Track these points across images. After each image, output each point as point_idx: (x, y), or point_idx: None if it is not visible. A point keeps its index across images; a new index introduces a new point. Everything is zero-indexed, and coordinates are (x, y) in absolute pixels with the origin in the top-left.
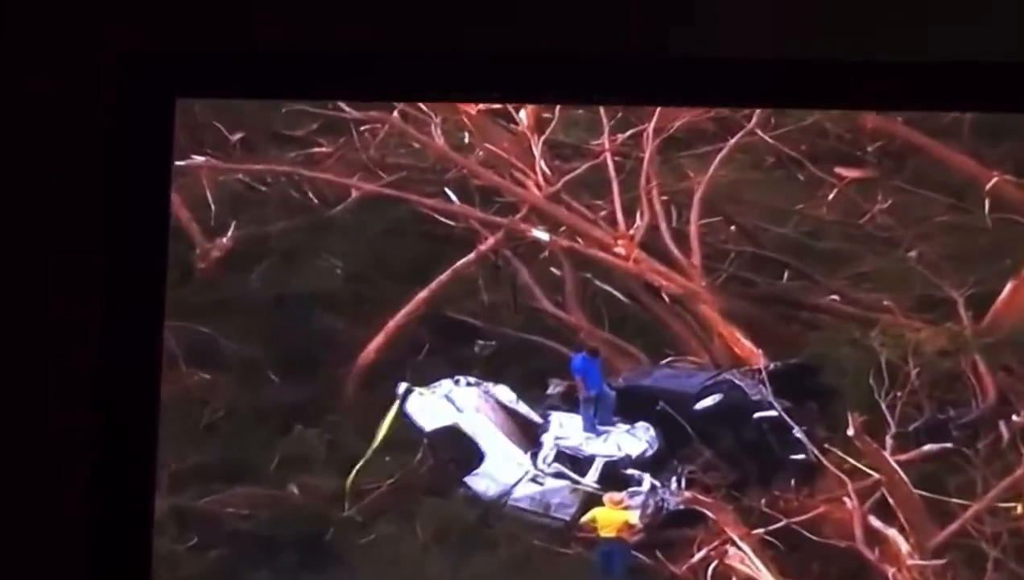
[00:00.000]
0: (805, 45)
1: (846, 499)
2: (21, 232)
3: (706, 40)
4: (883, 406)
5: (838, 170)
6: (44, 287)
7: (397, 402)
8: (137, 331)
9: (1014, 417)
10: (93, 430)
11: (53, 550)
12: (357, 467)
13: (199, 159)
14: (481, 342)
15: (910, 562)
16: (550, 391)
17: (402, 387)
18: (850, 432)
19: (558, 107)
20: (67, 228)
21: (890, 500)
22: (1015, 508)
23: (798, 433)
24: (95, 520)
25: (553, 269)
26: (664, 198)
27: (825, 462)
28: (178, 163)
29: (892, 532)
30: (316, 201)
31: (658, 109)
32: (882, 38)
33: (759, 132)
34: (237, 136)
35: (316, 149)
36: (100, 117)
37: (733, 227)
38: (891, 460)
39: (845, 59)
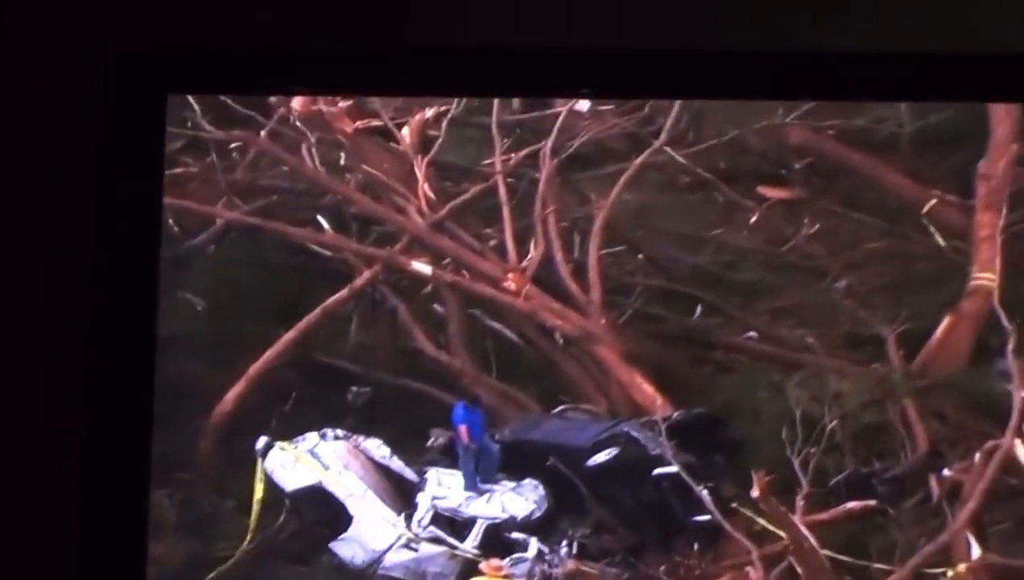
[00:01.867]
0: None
1: (749, 568)
2: (10, 231)
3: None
4: (795, 462)
5: (760, 190)
6: (34, 286)
7: (259, 460)
8: (127, 329)
9: (945, 471)
10: (84, 430)
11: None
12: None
13: None
14: (355, 389)
15: None
16: (430, 443)
17: (261, 442)
18: (754, 493)
19: (444, 124)
20: (56, 227)
21: (798, 569)
22: (944, 574)
23: (702, 492)
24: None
25: (436, 306)
26: (562, 225)
27: (727, 526)
28: None
29: None
30: (176, 229)
31: (556, 127)
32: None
33: (669, 150)
34: None
35: (180, 169)
36: (90, 115)
37: (640, 257)
38: (799, 524)
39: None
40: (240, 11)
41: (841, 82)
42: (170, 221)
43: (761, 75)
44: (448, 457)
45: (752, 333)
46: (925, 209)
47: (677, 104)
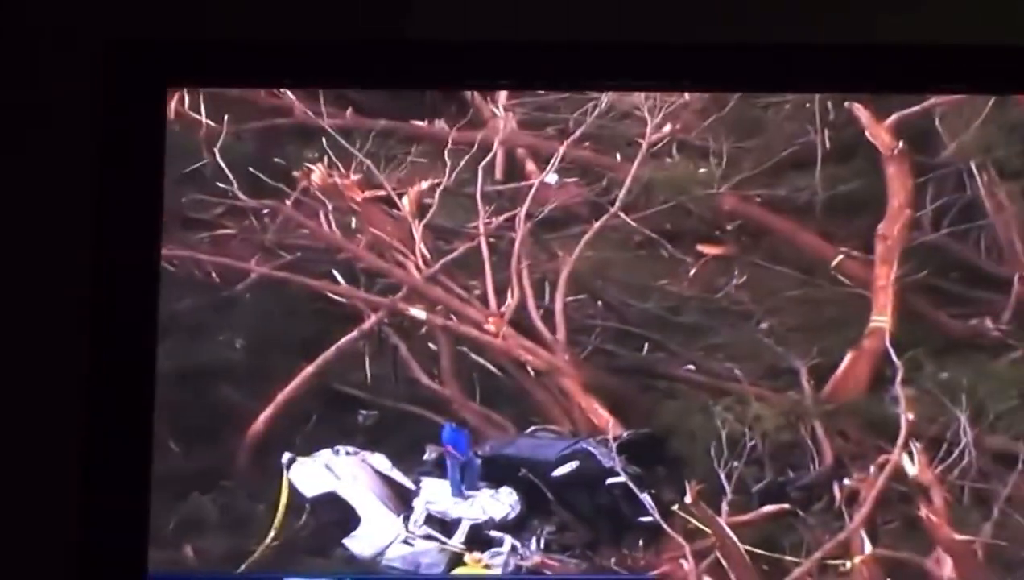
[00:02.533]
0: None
1: (682, 561)
2: (8, 224)
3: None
4: (721, 474)
5: (699, 247)
6: (32, 282)
7: (284, 472)
8: (126, 326)
9: (846, 480)
10: (84, 433)
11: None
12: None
13: None
14: (364, 412)
15: None
16: (425, 457)
17: (286, 457)
18: (687, 499)
19: (437, 194)
20: (56, 219)
21: (723, 562)
22: (844, 565)
23: (645, 498)
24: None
25: (431, 345)
26: (534, 277)
27: (664, 526)
28: None
29: None
30: (218, 280)
31: (529, 196)
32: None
33: (622, 215)
34: None
35: (221, 231)
36: (90, 104)
37: (598, 303)
38: (723, 524)
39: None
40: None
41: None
42: (212, 273)
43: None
44: (439, 469)
45: (690, 366)
46: (834, 263)
47: (629, 177)
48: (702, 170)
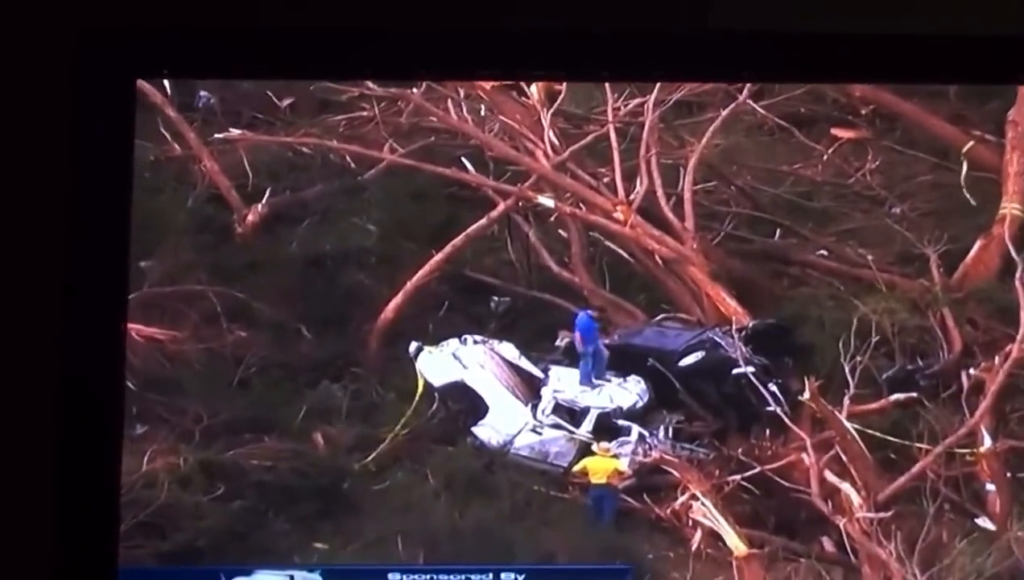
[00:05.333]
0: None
1: (803, 456)
2: None
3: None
4: (848, 365)
5: (834, 131)
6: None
7: (413, 360)
8: (99, 319)
9: (972, 370)
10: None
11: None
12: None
13: (235, 132)
14: (495, 299)
15: (859, 515)
16: (557, 343)
17: (413, 346)
18: (805, 395)
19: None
20: (26, 214)
21: (842, 456)
22: (969, 454)
23: (772, 387)
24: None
25: (561, 231)
26: (662, 164)
27: (787, 420)
28: (217, 136)
29: (845, 486)
30: (352, 165)
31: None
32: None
33: (751, 103)
34: (287, 102)
35: (356, 113)
36: (59, 99)
37: (728, 189)
38: (843, 420)
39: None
40: None
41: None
42: (347, 158)
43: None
44: (568, 357)
45: (822, 251)
46: (965, 148)
47: None
48: None
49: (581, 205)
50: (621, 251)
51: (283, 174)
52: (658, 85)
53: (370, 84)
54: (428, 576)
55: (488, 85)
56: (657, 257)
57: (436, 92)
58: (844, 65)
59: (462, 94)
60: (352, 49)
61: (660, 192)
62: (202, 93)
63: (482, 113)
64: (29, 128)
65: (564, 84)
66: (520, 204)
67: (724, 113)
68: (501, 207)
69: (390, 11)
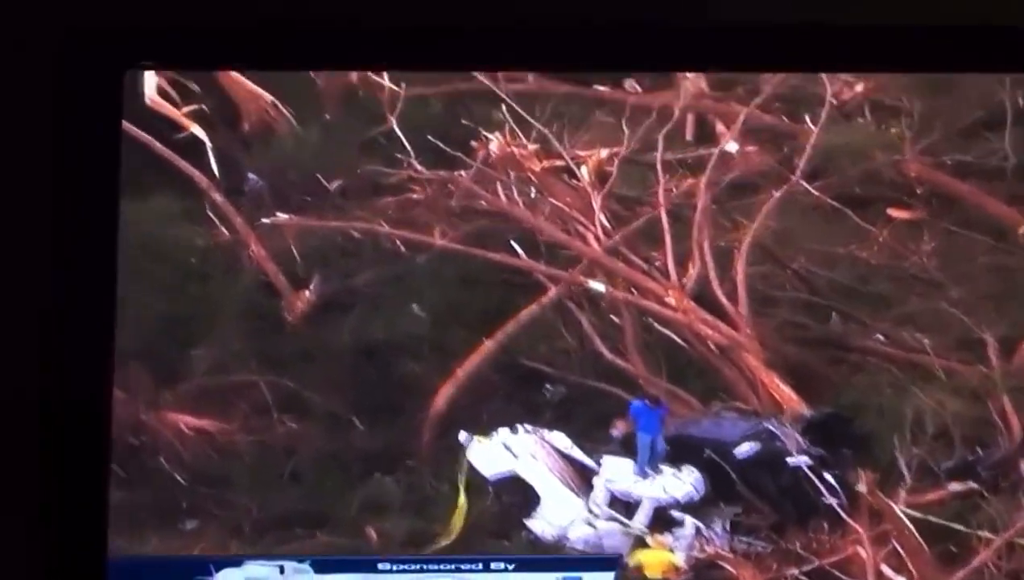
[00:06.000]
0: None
1: (859, 549)
2: None
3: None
4: (904, 455)
5: (890, 212)
6: None
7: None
8: (86, 324)
9: None
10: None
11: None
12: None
13: (283, 216)
14: (549, 387)
15: None
16: (613, 433)
17: (463, 436)
18: (861, 487)
19: (617, 162)
20: (12, 212)
21: (900, 550)
22: None
23: (829, 479)
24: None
25: (614, 317)
26: (715, 247)
27: (842, 513)
28: (265, 220)
29: None
30: (403, 249)
31: (710, 165)
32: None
33: (804, 184)
34: (336, 184)
35: (405, 196)
36: (45, 96)
37: (783, 273)
38: (900, 513)
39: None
40: None
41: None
42: (398, 242)
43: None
44: (623, 447)
45: (879, 337)
46: (1023, 229)
47: (808, 147)
48: (893, 130)
49: (633, 290)
50: (675, 337)
51: (333, 259)
52: (710, 166)
53: (418, 166)
54: (418, 566)
55: (538, 167)
56: (711, 343)
57: (486, 174)
58: (844, 55)
59: (512, 177)
60: (343, 41)
61: (713, 276)
62: (250, 176)
63: (532, 196)
64: (14, 125)
65: (615, 166)
66: (572, 289)
67: (777, 194)
68: (553, 293)
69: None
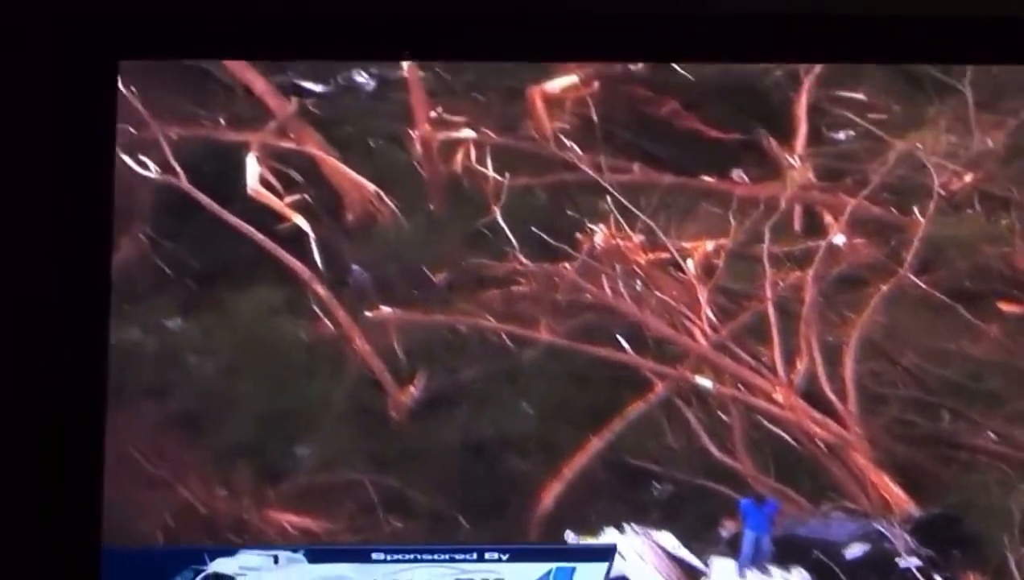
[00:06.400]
0: None
1: None
2: None
3: None
4: (1015, 555)
5: (1000, 306)
6: None
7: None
8: (84, 321)
9: None
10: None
11: None
12: None
13: (387, 310)
14: (657, 486)
15: None
16: (718, 533)
17: (569, 536)
18: None
19: (724, 255)
20: (8, 201)
21: None
22: None
23: None
24: None
25: (721, 414)
26: (824, 342)
27: None
28: (368, 314)
29: None
30: (509, 344)
31: (817, 257)
32: None
33: (912, 277)
34: (441, 277)
35: (515, 288)
36: (37, 87)
37: (892, 369)
38: None
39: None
40: None
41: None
42: (504, 337)
43: None
44: (731, 548)
45: (992, 435)
46: None
47: (916, 240)
48: (1003, 221)
49: (741, 386)
50: (784, 435)
51: (438, 354)
52: (818, 258)
53: (523, 258)
54: (412, 555)
55: (643, 259)
56: (820, 442)
57: (591, 267)
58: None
59: (618, 269)
60: (338, 31)
61: (821, 372)
62: (354, 268)
63: (638, 288)
64: (8, 116)
65: (722, 259)
66: (680, 386)
67: (885, 288)
68: (660, 389)
69: None
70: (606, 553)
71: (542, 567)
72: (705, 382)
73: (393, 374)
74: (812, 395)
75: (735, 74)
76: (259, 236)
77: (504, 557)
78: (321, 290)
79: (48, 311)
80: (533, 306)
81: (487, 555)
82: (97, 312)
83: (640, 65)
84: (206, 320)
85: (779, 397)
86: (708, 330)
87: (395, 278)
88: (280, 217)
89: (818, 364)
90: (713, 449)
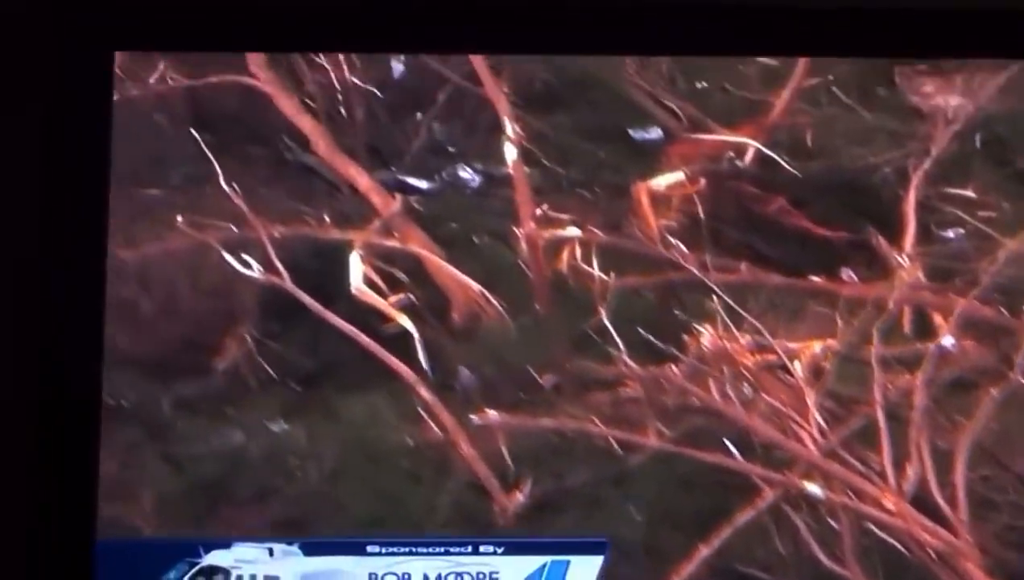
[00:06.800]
0: None
1: None
2: None
3: None
4: None
5: None
6: None
7: None
8: (74, 305)
9: None
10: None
11: None
12: None
13: (493, 413)
14: None
15: None
16: None
17: None
18: None
19: (832, 356)
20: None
21: None
22: None
23: None
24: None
25: (831, 521)
26: (935, 448)
27: None
28: (474, 417)
29: None
30: (617, 449)
31: (928, 358)
32: None
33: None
34: (548, 380)
35: (623, 392)
36: (33, 76)
37: (1005, 475)
38: None
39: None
40: None
41: None
42: (611, 441)
43: None
44: None
45: None
46: None
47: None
48: None
49: (850, 493)
50: (894, 542)
51: (545, 460)
52: (928, 362)
53: (629, 361)
54: (407, 548)
55: (750, 361)
56: (930, 550)
57: (698, 369)
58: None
59: (726, 372)
60: (336, 19)
61: (932, 478)
62: (461, 370)
63: (746, 392)
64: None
65: (830, 362)
66: (789, 492)
67: (995, 392)
68: (769, 496)
69: None
70: (600, 547)
71: (537, 560)
72: (815, 489)
73: (499, 478)
74: (922, 502)
75: (842, 170)
76: (364, 338)
77: (499, 550)
78: (426, 393)
79: (46, 311)
80: (640, 410)
81: (482, 548)
82: (93, 310)
83: (747, 161)
84: (310, 423)
85: (889, 504)
86: (817, 435)
87: (501, 380)
88: (385, 317)
89: (928, 470)
90: (822, 557)
